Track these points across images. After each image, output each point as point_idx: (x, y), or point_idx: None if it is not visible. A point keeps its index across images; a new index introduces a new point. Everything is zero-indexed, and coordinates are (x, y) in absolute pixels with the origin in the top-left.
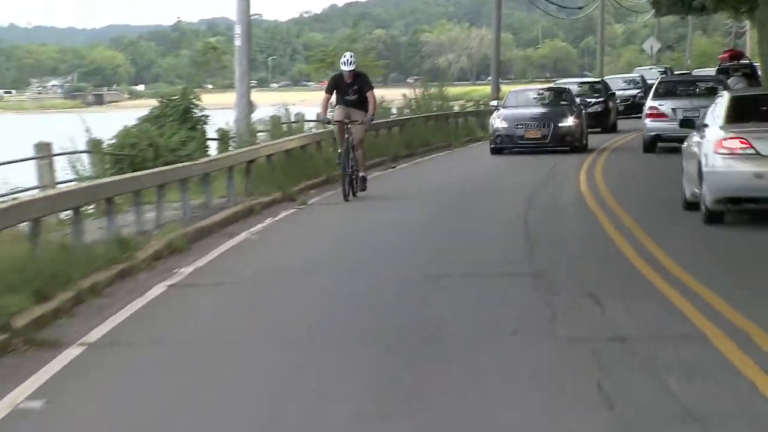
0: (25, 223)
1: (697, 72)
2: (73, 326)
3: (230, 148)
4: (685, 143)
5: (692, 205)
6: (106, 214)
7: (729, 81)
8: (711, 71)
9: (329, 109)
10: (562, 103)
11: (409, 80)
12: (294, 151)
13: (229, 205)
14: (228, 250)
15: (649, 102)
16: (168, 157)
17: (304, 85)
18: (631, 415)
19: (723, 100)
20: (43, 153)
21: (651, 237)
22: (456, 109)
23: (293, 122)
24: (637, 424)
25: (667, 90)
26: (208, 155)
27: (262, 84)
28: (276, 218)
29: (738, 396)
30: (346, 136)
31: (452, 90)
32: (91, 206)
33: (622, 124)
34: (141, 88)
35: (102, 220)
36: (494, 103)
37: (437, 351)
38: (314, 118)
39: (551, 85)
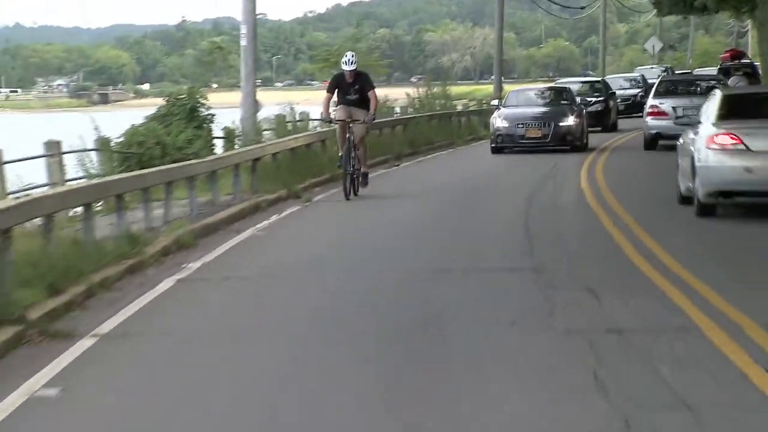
0: (38, 219)
1: (698, 71)
2: (85, 318)
3: (236, 147)
4: (681, 140)
5: (687, 200)
6: (116, 211)
7: (730, 80)
8: (712, 71)
9: (332, 108)
10: (563, 102)
11: (413, 79)
12: (299, 150)
13: (235, 202)
14: (234, 246)
15: (650, 101)
16: (175, 155)
17: (308, 85)
18: (624, 402)
19: (715, 98)
20: (53, 151)
21: (648, 233)
22: (459, 108)
23: (298, 121)
24: (630, 410)
25: (667, 89)
26: (214, 153)
27: (267, 83)
28: (281, 215)
29: (729, 385)
30: (348, 135)
31: (456, 89)
32: (99, 203)
33: (622, 123)
34: (146, 87)
35: (110, 217)
36: (495, 102)
37: (438, 343)
38: (318, 117)
39: (552, 84)
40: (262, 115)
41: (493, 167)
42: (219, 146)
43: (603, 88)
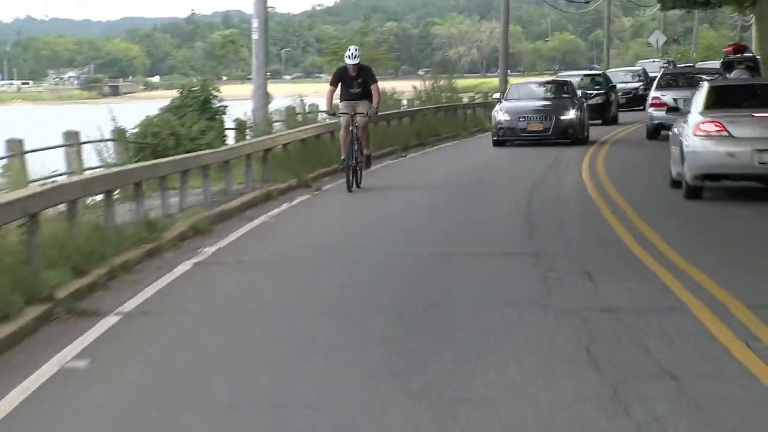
0: (61, 206)
1: (700, 65)
2: (109, 298)
3: (247, 137)
4: (673, 129)
5: (677, 184)
6: (133, 198)
7: (733, 73)
8: (715, 64)
9: (336, 102)
10: (564, 96)
11: (420, 72)
12: (309, 140)
13: (247, 191)
14: (248, 233)
15: (653, 93)
16: (188, 145)
17: (317, 77)
18: (614, 373)
19: (703, 89)
20: (72, 141)
21: (643, 219)
22: (465, 100)
23: (308, 113)
24: (619, 380)
25: (669, 81)
26: (226, 144)
27: (276, 76)
28: (292, 203)
29: (711, 358)
30: (351, 128)
31: (463, 82)
32: (116, 191)
33: (623, 116)
34: (156, 79)
35: (127, 205)
36: (497, 95)
37: (442, 319)
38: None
39: (553, 77)
40: (272, 106)
41: (496, 159)
42: (231, 137)
43: (604, 81)
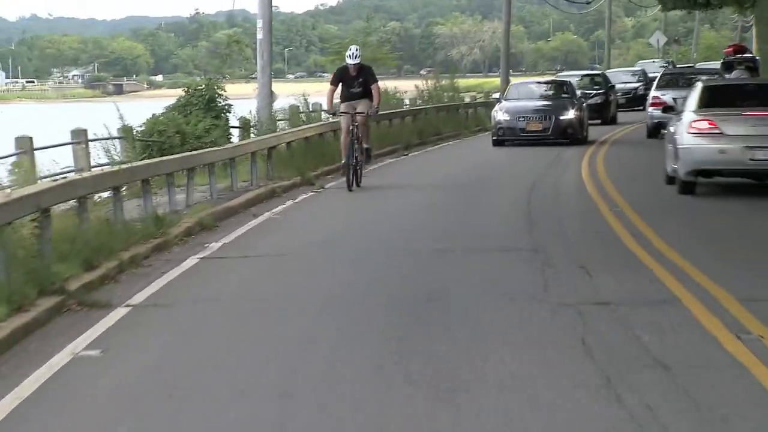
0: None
1: (700, 65)
2: (118, 290)
3: (252, 136)
4: (669, 127)
5: (672, 180)
6: (141, 195)
7: (733, 74)
8: (714, 64)
9: (336, 101)
10: (563, 96)
11: (422, 72)
12: (312, 139)
13: (252, 188)
14: (252, 228)
15: (653, 92)
16: (194, 143)
17: (320, 77)
18: (608, 362)
19: (696, 89)
20: (80, 138)
21: (640, 216)
22: (467, 100)
23: (311, 111)
24: (612, 369)
25: (669, 81)
26: (231, 142)
27: (279, 75)
28: (296, 200)
29: (701, 349)
30: (351, 128)
31: (465, 82)
32: (124, 187)
33: (623, 116)
34: (160, 78)
35: (133, 201)
36: (496, 95)
37: (442, 312)
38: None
39: (552, 78)
40: (276, 105)
41: (497, 158)
42: (235, 135)
43: (603, 82)
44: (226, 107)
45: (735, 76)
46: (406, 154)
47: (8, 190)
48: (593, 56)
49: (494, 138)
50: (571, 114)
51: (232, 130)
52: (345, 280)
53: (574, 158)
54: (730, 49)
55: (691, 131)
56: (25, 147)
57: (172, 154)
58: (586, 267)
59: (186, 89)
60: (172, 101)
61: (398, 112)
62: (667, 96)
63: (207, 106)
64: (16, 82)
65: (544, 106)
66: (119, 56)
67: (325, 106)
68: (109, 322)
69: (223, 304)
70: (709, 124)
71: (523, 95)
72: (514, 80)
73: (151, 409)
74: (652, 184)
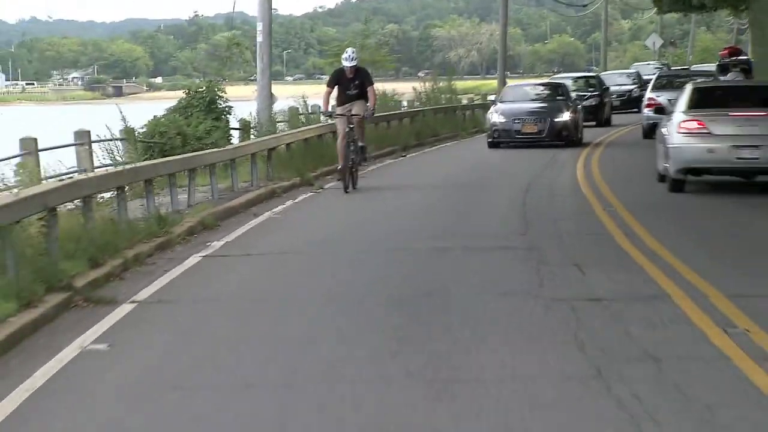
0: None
1: (695, 67)
2: (123, 287)
3: (252, 137)
4: (660, 127)
5: (663, 178)
6: (143, 195)
7: (728, 75)
8: (709, 67)
9: (332, 103)
10: (558, 98)
11: (420, 74)
12: (312, 140)
13: (252, 188)
14: (253, 228)
15: (648, 94)
16: (194, 144)
17: (318, 79)
18: (599, 355)
19: (686, 90)
20: (83, 140)
21: (633, 215)
22: (464, 102)
23: (310, 113)
24: (603, 361)
25: (665, 83)
26: (231, 143)
27: (277, 77)
28: (295, 200)
29: (689, 342)
30: (347, 130)
31: (462, 84)
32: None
33: (617, 118)
34: (159, 80)
35: (136, 201)
36: (492, 97)
37: (439, 307)
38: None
39: (547, 80)
40: (276, 107)
41: (493, 159)
42: (235, 137)
43: (597, 84)
44: (227, 109)
45: (730, 78)
46: (404, 155)
47: (15, 190)
48: (590, 58)
49: (489, 140)
50: (566, 116)
51: (232, 131)
52: (345, 278)
53: (569, 160)
54: (726, 51)
55: (681, 131)
56: (30, 148)
57: (173, 155)
58: (580, 265)
59: (187, 91)
60: (171, 103)
61: (396, 113)
62: (662, 97)
63: (208, 108)
64: (16, 84)
65: (539, 108)
66: (118, 58)
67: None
68: (115, 317)
69: (225, 301)
70: (698, 124)
71: (518, 97)
72: (511, 82)
73: (157, 400)
74: (646, 183)
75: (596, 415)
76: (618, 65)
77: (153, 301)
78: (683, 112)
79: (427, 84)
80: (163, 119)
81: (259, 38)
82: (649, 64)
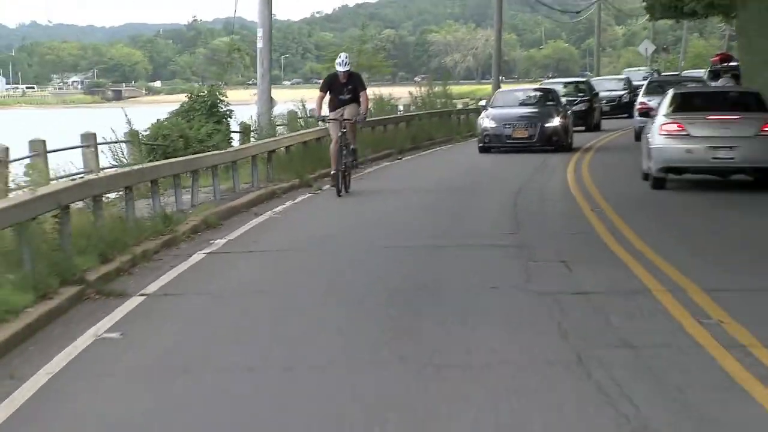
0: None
1: (685, 73)
2: (132, 281)
3: (252, 140)
4: (644, 130)
5: (647, 176)
6: (148, 196)
7: (719, 81)
8: (699, 72)
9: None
10: (549, 103)
11: (417, 79)
12: (310, 143)
13: (253, 189)
14: (255, 226)
15: (640, 98)
16: (196, 147)
17: (316, 83)
18: (580, 342)
19: (668, 95)
20: (89, 142)
21: (619, 215)
22: (459, 106)
23: (309, 117)
24: (584, 348)
25: (656, 88)
26: (232, 146)
27: (275, 81)
28: (295, 201)
29: (666, 332)
30: (339, 134)
31: (458, 88)
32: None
33: (607, 123)
34: (158, 84)
35: (140, 202)
36: (483, 102)
37: (431, 299)
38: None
39: (537, 85)
40: (275, 111)
41: (486, 162)
42: (235, 140)
43: (587, 89)
44: (228, 113)
45: (721, 83)
46: (400, 159)
47: (26, 190)
48: (584, 64)
49: (480, 145)
50: (556, 121)
51: (232, 134)
52: (343, 273)
53: (559, 164)
54: (717, 58)
55: (662, 133)
56: (39, 150)
57: (175, 158)
58: (567, 262)
59: (189, 95)
60: (170, 107)
61: (392, 117)
62: (653, 102)
63: (209, 112)
64: (17, 88)
65: (529, 113)
66: (118, 62)
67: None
68: (126, 309)
69: (229, 294)
70: (678, 126)
71: (508, 103)
72: (506, 87)
73: (168, 381)
74: (632, 184)
75: (577, 397)
76: (612, 71)
77: (161, 294)
78: (664, 115)
79: (422, 89)
80: (166, 122)
81: (260, 44)
82: (639, 69)
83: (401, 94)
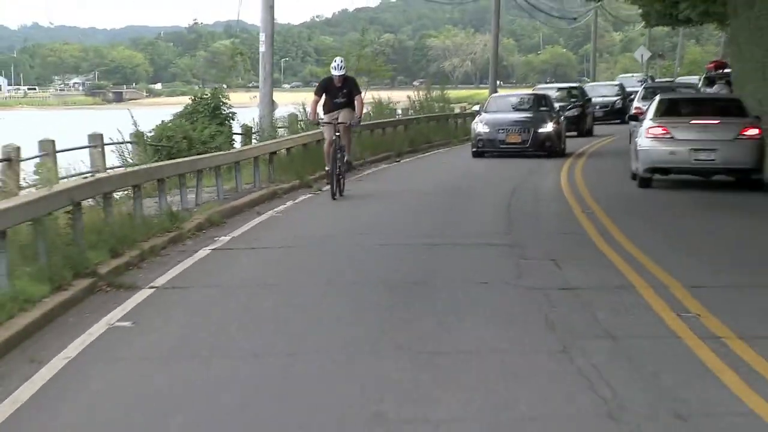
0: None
1: (680, 80)
2: (142, 275)
3: (253, 142)
4: (633, 134)
5: (635, 176)
6: (152, 195)
7: (714, 87)
8: (693, 79)
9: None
10: (542, 108)
11: (416, 83)
12: (310, 145)
13: (255, 189)
14: (257, 225)
15: (635, 103)
16: (199, 148)
17: (315, 86)
18: (565, 334)
19: (655, 100)
20: (96, 142)
21: (609, 216)
22: (457, 110)
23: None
24: (569, 339)
25: (650, 94)
26: (234, 148)
27: (275, 84)
28: (296, 201)
29: (646, 325)
30: (333, 137)
31: (456, 93)
32: (144, 185)
33: (600, 129)
34: (159, 86)
35: (146, 201)
36: (477, 107)
37: (426, 293)
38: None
39: (531, 91)
40: (276, 113)
41: (482, 166)
42: (237, 141)
43: (579, 95)
44: (230, 115)
45: (716, 90)
46: (398, 161)
47: (40, 187)
48: (582, 69)
49: (474, 149)
50: (549, 127)
51: (235, 136)
52: (343, 268)
53: (553, 168)
54: (712, 65)
55: (648, 136)
56: (48, 149)
57: (179, 158)
58: (557, 260)
59: (192, 98)
60: (170, 109)
61: (391, 121)
62: (648, 106)
63: (212, 114)
64: (18, 89)
65: (523, 118)
66: (119, 65)
67: (321, 115)
68: (136, 300)
69: (233, 288)
70: (663, 129)
71: (502, 108)
72: (503, 92)
73: (178, 365)
74: (622, 185)
75: (559, 381)
76: (609, 76)
77: (169, 286)
78: (651, 119)
79: (421, 93)
80: (170, 124)
81: (262, 48)
82: (633, 76)
83: (400, 97)
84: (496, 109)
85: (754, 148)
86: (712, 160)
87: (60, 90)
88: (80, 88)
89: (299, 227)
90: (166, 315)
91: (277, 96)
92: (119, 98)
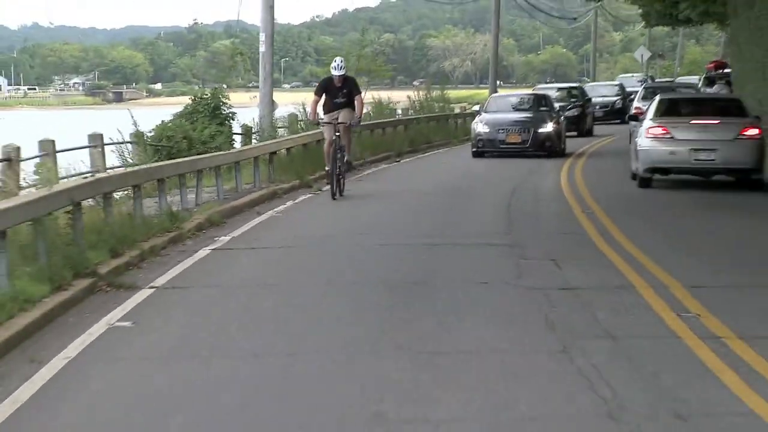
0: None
1: (680, 80)
2: (142, 275)
3: (253, 142)
4: (633, 134)
5: (635, 176)
6: (153, 194)
7: (714, 87)
8: (693, 79)
9: (320, 110)
10: (542, 108)
11: (415, 83)
12: (310, 145)
13: (255, 189)
14: (257, 225)
15: (635, 103)
16: (200, 148)
17: (315, 86)
18: (566, 334)
19: (655, 100)
20: (96, 142)
21: (609, 216)
22: (457, 110)
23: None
24: (569, 339)
25: (650, 94)
26: (234, 148)
27: (275, 84)
28: (296, 201)
29: (646, 325)
30: (334, 138)
31: (456, 93)
32: (144, 185)
33: (600, 129)
34: (159, 86)
35: (146, 201)
36: (476, 107)
37: (426, 293)
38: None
39: (531, 91)
40: (276, 113)
41: (481, 166)
42: (237, 141)
43: (579, 95)
44: (230, 115)
45: (716, 90)
46: (398, 161)
47: (40, 187)
48: (582, 69)
49: (474, 149)
50: (549, 127)
51: (235, 136)
52: (343, 268)
53: (553, 168)
54: (712, 65)
55: (648, 136)
56: (48, 149)
57: (179, 158)
58: (557, 260)
59: (192, 98)
60: (170, 109)
61: (391, 121)
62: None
63: (212, 114)
64: (18, 89)
65: (523, 118)
66: (119, 65)
67: (322, 115)
68: (136, 300)
69: (233, 287)
70: (662, 130)
71: (502, 108)
72: (503, 92)
73: (178, 365)
74: (621, 185)
75: (559, 381)
76: (609, 76)
77: (169, 286)
78: (651, 119)
79: (421, 93)
80: (170, 124)
81: (262, 48)
82: (633, 76)
83: (400, 97)
84: (496, 109)
85: (754, 148)
86: (712, 160)
87: (60, 90)
88: (80, 88)
89: (299, 227)
90: (166, 315)
91: (277, 96)
92: (119, 98)
